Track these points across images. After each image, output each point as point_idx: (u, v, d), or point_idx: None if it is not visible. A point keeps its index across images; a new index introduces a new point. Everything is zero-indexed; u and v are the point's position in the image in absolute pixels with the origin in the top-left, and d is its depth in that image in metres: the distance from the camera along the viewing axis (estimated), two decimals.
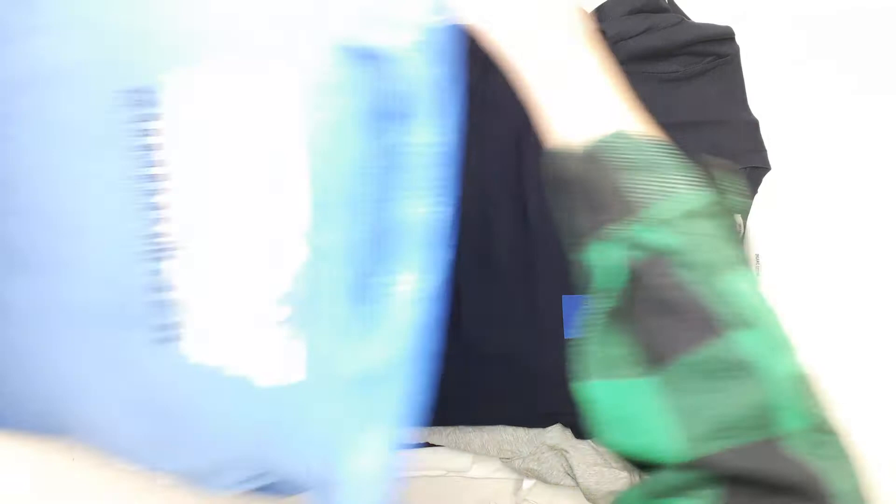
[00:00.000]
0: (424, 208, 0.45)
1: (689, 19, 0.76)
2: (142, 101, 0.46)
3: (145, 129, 0.46)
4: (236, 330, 0.47)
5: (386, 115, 0.45)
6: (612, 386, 0.37)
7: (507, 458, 0.77)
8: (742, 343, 0.35)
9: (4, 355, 0.51)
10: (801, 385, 0.37)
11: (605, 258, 0.37)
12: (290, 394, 0.47)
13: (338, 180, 0.45)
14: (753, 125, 0.78)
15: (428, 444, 0.79)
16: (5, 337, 0.51)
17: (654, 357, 0.36)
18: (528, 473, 0.78)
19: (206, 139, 0.46)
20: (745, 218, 0.78)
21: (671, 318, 0.35)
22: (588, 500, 0.77)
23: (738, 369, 0.35)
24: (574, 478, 0.76)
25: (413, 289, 0.46)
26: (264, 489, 0.52)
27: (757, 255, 0.79)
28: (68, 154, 0.48)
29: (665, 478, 0.36)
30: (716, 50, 0.75)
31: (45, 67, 0.47)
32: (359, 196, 0.46)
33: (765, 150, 0.77)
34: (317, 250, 0.46)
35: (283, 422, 0.48)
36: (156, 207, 0.47)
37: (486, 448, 0.78)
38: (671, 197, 0.36)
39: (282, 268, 0.46)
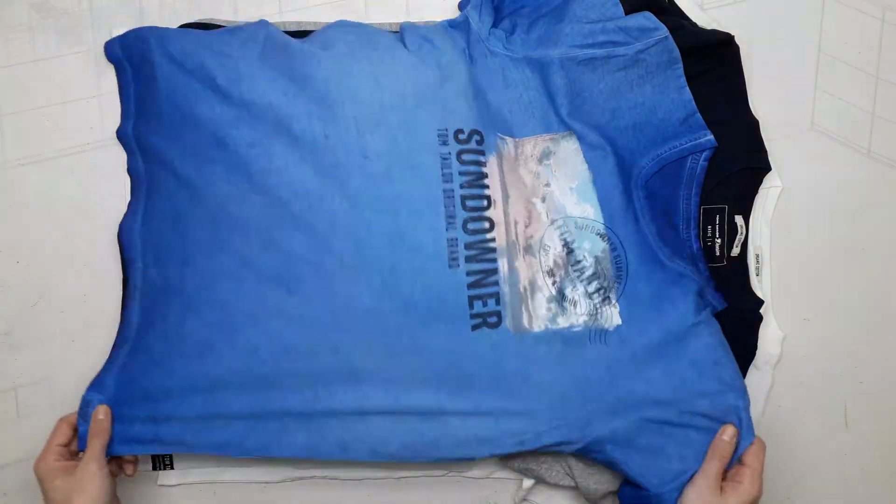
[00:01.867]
0: None
1: (688, 19, 0.76)
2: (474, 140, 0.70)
3: (479, 161, 0.69)
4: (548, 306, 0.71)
5: None
6: None
7: (507, 458, 0.77)
8: None
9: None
10: None
11: None
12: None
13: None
14: (753, 125, 0.77)
15: None
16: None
17: None
18: (527, 473, 0.78)
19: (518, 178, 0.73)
20: (746, 219, 0.78)
21: None
22: (587, 500, 0.77)
23: None
24: (573, 478, 0.76)
25: None
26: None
27: (757, 255, 0.79)
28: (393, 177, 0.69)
29: None
30: (715, 52, 0.75)
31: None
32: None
33: (765, 151, 0.77)
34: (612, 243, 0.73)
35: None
36: (491, 220, 0.69)
37: None
38: None
39: (587, 258, 0.73)
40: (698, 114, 0.73)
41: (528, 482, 0.79)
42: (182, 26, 0.76)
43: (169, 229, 0.73)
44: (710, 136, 0.74)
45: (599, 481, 0.75)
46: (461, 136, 0.69)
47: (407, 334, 0.69)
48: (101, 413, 0.70)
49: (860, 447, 0.81)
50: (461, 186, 0.69)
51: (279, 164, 0.69)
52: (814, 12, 0.79)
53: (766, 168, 0.77)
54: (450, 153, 0.69)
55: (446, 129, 0.69)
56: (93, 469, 0.67)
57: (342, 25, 0.74)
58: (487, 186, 0.70)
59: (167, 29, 0.74)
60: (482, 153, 0.70)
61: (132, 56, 0.74)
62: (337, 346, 0.69)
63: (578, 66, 0.72)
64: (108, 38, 0.76)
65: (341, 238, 0.68)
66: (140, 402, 0.71)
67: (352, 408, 0.69)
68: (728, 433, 0.69)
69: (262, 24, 0.73)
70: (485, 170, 0.70)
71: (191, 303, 0.71)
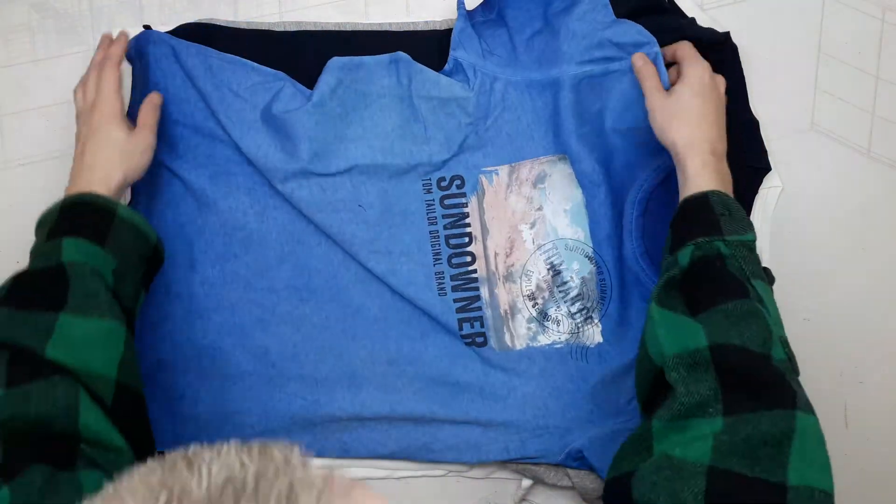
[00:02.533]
0: None
1: (688, 19, 0.76)
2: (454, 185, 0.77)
3: (460, 204, 0.76)
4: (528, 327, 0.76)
5: None
6: (667, 314, 0.61)
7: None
8: (757, 304, 0.60)
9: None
10: (784, 336, 0.62)
11: (686, 254, 0.63)
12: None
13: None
14: (753, 125, 0.77)
15: None
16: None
17: (701, 307, 0.60)
18: (526, 473, 0.78)
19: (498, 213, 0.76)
20: None
21: (714, 285, 0.61)
22: (585, 500, 0.77)
23: (754, 315, 0.59)
24: (571, 479, 0.76)
25: None
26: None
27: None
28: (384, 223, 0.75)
29: (680, 400, 0.57)
30: (715, 52, 0.75)
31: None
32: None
33: (765, 151, 0.77)
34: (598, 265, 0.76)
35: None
36: (472, 255, 0.76)
37: None
38: (740, 232, 0.63)
39: (573, 280, 0.76)
40: None
41: (527, 482, 0.79)
42: (182, 26, 0.76)
43: (172, 234, 0.75)
44: None
45: (596, 481, 0.75)
46: (443, 184, 0.76)
47: (407, 343, 0.76)
48: (156, 98, 0.72)
49: (860, 447, 0.81)
50: (444, 227, 0.76)
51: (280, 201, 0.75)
52: (814, 12, 0.79)
53: (766, 168, 0.77)
54: (433, 199, 0.76)
55: (430, 179, 0.76)
56: (151, 140, 0.70)
57: (335, 71, 0.74)
58: (469, 225, 0.76)
59: (184, 42, 0.75)
60: (463, 195, 0.76)
61: (146, 58, 0.75)
62: (342, 352, 0.75)
63: (580, 85, 0.74)
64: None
65: (353, 261, 0.76)
66: (160, 400, 0.75)
67: (350, 413, 0.74)
68: (638, 58, 0.71)
69: (282, 76, 0.75)
70: (466, 210, 0.76)
71: (198, 307, 0.75)
